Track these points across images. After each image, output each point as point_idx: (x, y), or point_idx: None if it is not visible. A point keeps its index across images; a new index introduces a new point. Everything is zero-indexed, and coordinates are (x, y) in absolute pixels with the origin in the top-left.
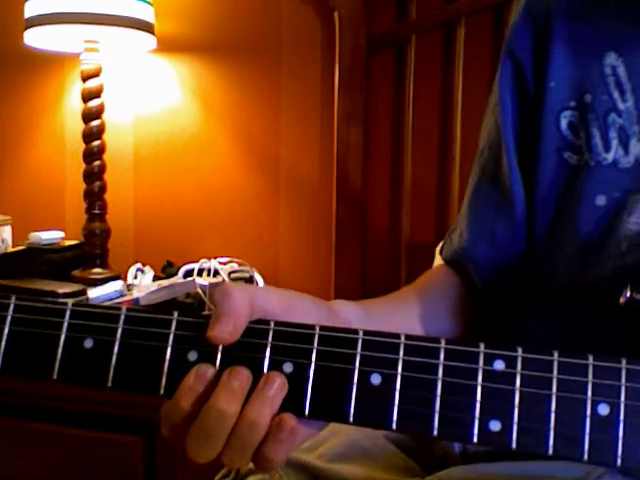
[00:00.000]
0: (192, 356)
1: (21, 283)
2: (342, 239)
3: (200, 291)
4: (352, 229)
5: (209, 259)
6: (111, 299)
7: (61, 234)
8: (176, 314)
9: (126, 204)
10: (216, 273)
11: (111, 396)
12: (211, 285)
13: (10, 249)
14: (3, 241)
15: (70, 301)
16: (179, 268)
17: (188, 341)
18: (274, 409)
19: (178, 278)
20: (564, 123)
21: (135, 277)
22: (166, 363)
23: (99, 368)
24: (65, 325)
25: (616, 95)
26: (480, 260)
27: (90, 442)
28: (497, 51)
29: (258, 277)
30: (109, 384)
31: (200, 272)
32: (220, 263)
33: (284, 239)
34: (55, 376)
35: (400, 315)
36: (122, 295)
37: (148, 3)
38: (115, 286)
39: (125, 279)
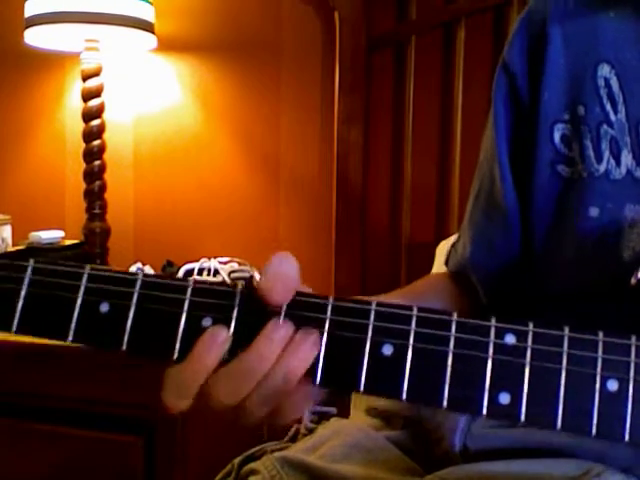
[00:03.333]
0: (206, 322)
1: None
2: (342, 239)
3: None
4: (352, 229)
5: (209, 259)
6: None
7: (61, 233)
8: (192, 280)
9: (126, 203)
10: (216, 273)
11: (111, 396)
12: None
13: (10, 249)
14: (3, 240)
15: (88, 265)
16: (179, 268)
17: (203, 307)
18: (305, 365)
19: None
20: (557, 136)
21: None
22: (180, 328)
23: (114, 332)
24: (82, 288)
25: (608, 107)
26: (483, 270)
27: (90, 442)
28: (497, 52)
29: (258, 276)
30: (123, 348)
31: (200, 272)
32: (220, 263)
33: (284, 239)
34: (71, 337)
35: None
36: None
37: (148, 2)
38: None
39: None
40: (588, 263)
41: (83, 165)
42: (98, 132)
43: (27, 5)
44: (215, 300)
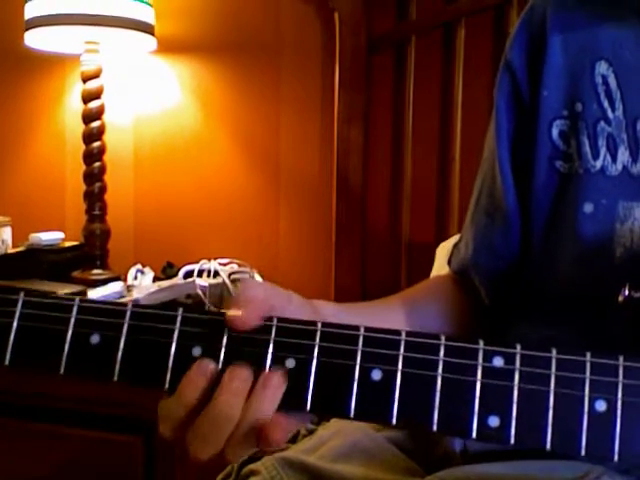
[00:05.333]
0: (196, 351)
1: (21, 284)
2: (342, 239)
3: (200, 292)
4: (352, 229)
5: (209, 260)
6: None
7: (61, 235)
8: (181, 310)
9: (126, 205)
10: (216, 274)
11: (111, 396)
12: (211, 286)
13: (10, 250)
14: (3, 242)
15: (77, 297)
16: (179, 269)
17: (192, 337)
18: (274, 407)
19: (178, 279)
20: (555, 132)
21: (135, 278)
22: (171, 358)
23: (105, 363)
24: (72, 321)
25: (606, 104)
26: (484, 271)
27: (90, 442)
28: (497, 51)
29: (258, 278)
30: (115, 379)
31: (200, 273)
32: (220, 264)
33: (284, 239)
34: (62, 371)
35: (382, 319)
36: (122, 296)
37: (148, 4)
38: (115, 287)
39: (125, 280)
40: (584, 261)
41: (83, 166)
42: (98, 133)
43: (27, 7)
44: (204, 329)
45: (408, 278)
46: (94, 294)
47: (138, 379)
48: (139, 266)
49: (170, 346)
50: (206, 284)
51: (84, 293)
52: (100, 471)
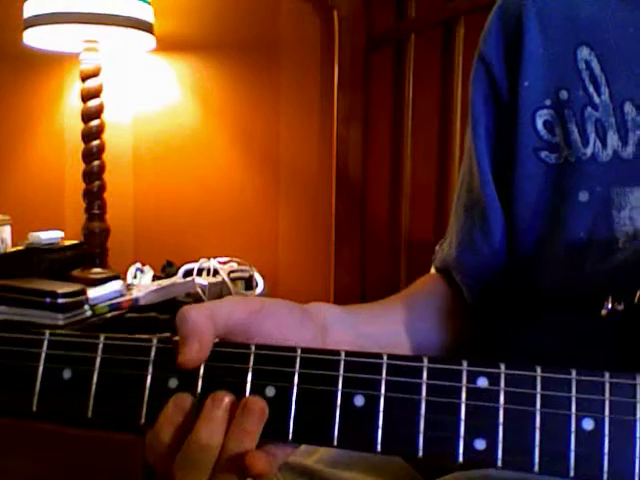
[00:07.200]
0: (172, 383)
1: (20, 283)
2: (342, 237)
3: (200, 291)
4: (352, 227)
5: (209, 258)
6: (110, 299)
7: (60, 234)
8: (155, 341)
9: (126, 204)
10: (216, 272)
11: None
12: (211, 285)
13: (9, 249)
14: (2, 241)
15: (47, 330)
16: (179, 268)
17: (168, 368)
18: (256, 435)
19: (178, 278)
20: (540, 122)
21: (135, 277)
22: (146, 391)
23: (78, 399)
24: (43, 356)
25: (591, 89)
26: (466, 269)
27: (90, 442)
28: None
29: (258, 276)
30: (89, 414)
31: (200, 272)
32: (220, 262)
33: (284, 238)
34: (34, 408)
35: (383, 319)
36: (121, 295)
37: (147, 3)
38: (115, 286)
39: (125, 279)
40: (580, 252)
41: (82, 165)
42: (97, 132)
43: (26, 6)
44: None
45: (408, 276)
46: (94, 293)
47: (113, 414)
48: (139, 265)
49: (145, 379)
50: (206, 283)
51: (84, 292)
52: (100, 471)
